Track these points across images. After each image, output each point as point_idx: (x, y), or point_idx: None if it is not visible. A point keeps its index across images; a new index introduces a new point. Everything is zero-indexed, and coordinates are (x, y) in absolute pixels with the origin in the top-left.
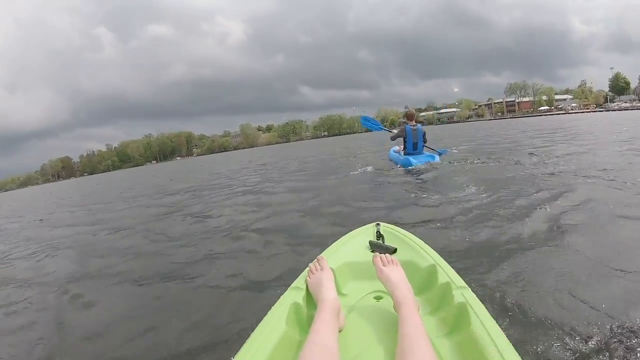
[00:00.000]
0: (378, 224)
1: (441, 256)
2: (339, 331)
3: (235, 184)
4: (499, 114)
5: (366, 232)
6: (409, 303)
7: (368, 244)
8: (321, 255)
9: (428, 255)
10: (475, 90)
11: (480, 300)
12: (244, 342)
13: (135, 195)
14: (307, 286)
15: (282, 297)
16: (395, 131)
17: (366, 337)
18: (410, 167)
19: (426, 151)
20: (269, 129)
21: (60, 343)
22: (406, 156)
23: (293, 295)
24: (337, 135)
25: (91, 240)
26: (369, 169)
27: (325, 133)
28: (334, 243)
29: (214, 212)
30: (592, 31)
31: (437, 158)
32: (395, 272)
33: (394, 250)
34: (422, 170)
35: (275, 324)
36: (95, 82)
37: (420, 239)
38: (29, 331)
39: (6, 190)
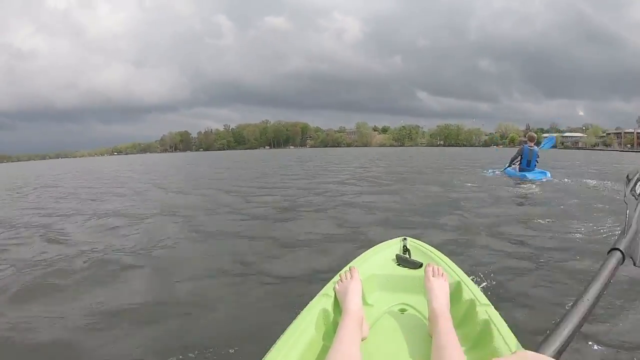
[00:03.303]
0: (405, 239)
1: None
2: (362, 340)
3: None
4: (629, 145)
5: (393, 246)
6: (446, 317)
7: (394, 257)
8: (353, 265)
9: (453, 272)
10: (602, 115)
11: (504, 319)
12: (273, 345)
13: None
14: (335, 293)
15: (311, 302)
16: (515, 165)
17: (390, 348)
18: (525, 179)
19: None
20: (384, 130)
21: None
22: (522, 172)
23: (322, 301)
24: (453, 145)
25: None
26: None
27: (441, 142)
28: (361, 255)
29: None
30: None
31: (549, 174)
32: (440, 285)
33: (420, 265)
34: (536, 184)
35: (304, 329)
36: (214, 66)
37: (446, 255)
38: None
39: (127, 154)
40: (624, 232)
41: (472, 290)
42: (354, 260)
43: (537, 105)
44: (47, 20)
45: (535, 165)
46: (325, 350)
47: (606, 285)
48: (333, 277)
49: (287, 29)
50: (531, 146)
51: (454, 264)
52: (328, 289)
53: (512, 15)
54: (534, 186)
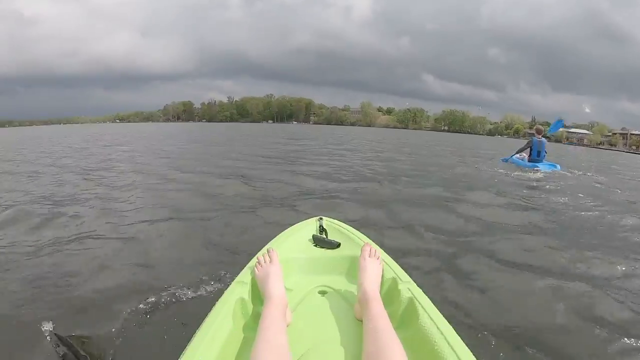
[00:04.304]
0: (321, 219)
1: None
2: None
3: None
4: (634, 147)
5: (308, 227)
6: (378, 299)
7: (311, 238)
8: (271, 247)
9: None
10: (609, 114)
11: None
12: (190, 340)
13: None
14: (251, 280)
15: (226, 292)
16: (524, 154)
17: (315, 332)
18: (535, 169)
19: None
20: (389, 111)
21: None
22: (532, 162)
23: (238, 290)
24: (457, 132)
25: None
26: (501, 170)
27: (446, 128)
28: (275, 237)
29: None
30: None
31: (559, 167)
32: (375, 265)
33: (338, 245)
34: (545, 174)
35: (221, 321)
36: (220, 38)
37: (364, 234)
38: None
39: (129, 122)
40: None
41: (393, 269)
42: (269, 243)
43: (544, 97)
44: None
45: (544, 157)
46: (247, 342)
47: None
48: (248, 263)
49: (295, 3)
50: (539, 138)
51: (372, 242)
52: (243, 275)
53: (525, 5)
54: (544, 176)
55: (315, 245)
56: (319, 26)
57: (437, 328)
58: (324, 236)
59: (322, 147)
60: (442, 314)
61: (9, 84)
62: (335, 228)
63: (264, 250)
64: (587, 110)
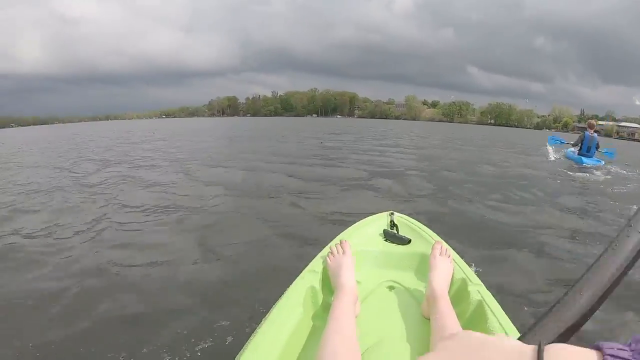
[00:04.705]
0: (392, 213)
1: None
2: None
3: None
4: None
5: (379, 221)
6: (446, 298)
7: (382, 232)
8: (343, 238)
9: None
10: None
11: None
12: (259, 325)
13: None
14: (323, 270)
15: (297, 280)
16: (572, 143)
17: (381, 327)
18: (581, 164)
19: (597, 156)
20: (434, 104)
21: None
22: (579, 156)
23: (309, 278)
24: (504, 125)
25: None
26: (552, 158)
27: (492, 121)
28: (347, 230)
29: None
30: None
31: (604, 163)
32: (446, 264)
33: (408, 241)
34: (590, 168)
35: (291, 308)
36: (262, 33)
37: (435, 232)
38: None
39: (174, 117)
40: None
41: (464, 270)
42: (340, 235)
43: (593, 89)
44: None
45: (594, 153)
46: (315, 331)
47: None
48: (319, 252)
49: None
50: (591, 133)
51: (443, 241)
52: (315, 264)
53: None
54: (591, 171)
55: (386, 240)
56: (361, 20)
57: (506, 334)
58: (395, 231)
59: (374, 140)
60: (510, 318)
61: (57, 83)
62: (406, 224)
63: (337, 240)
64: (638, 102)
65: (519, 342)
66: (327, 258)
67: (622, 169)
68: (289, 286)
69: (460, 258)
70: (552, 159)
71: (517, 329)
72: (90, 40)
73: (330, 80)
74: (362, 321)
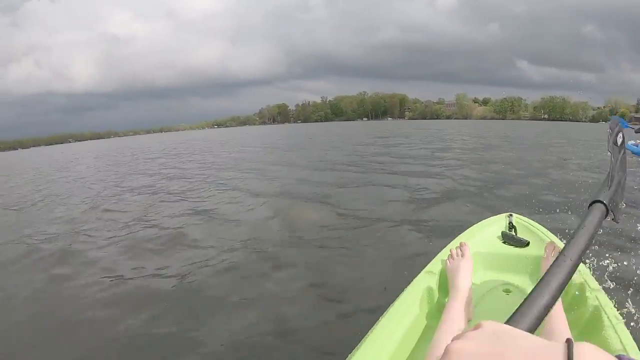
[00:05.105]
0: (510, 215)
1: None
2: (468, 321)
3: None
4: None
5: (498, 222)
6: (559, 302)
7: (500, 234)
8: (464, 241)
9: None
10: None
11: (616, 307)
12: (377, 322)
13: None
14: (440, 271)
15: (415, 280)
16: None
17: None
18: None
19: None
20: (485, 102)
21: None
22: None
23: (427, 279)
24: (558, 120)
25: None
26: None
27: (545, 116)
28: (465, 231)
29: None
30: None
31: None
32: None
33: (527, 244)
34: None
35: (408, 307)
36: (307, 40)
37: (554, 233)
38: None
39: (226, 126)
40: (607, 184)
41: (583, 274)
42: (459, 236)
43: None
44: (143, 5)
45: None
46: (428, 330)
47: (588, 245)
48: (438, 254)
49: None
50: None
51: (562, 243)
52: (433, 265)
53: None
54: None
55: (504, 242)
56: (404, 20)
57: (621, 342)
58: (513, 233)
59: (436, 142)
60: (629, 329)
61: (113, 100)
62: (525, 226)
63: (456, 242)
64: None
65: (546, 340)
66: (447, 261)
67: None
68: (406, 287)
69: (581, 262)
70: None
71: (638, 345)
72: (142, 57)
73: (379, 82)
74: (475, 324)
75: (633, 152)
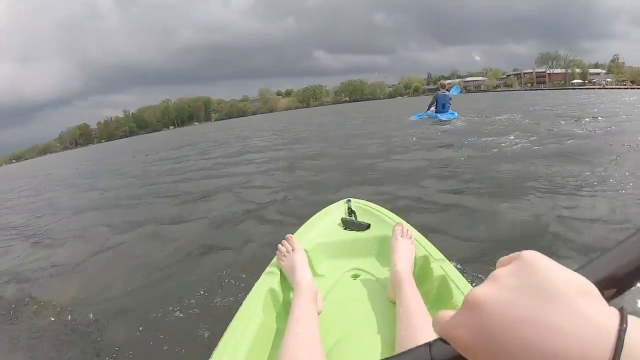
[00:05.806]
0: (349, 200)
1: (420, 229)
2: (318, 314)
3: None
4: (528, 84)
5: (337, 210)
6: (411, 280)
7: (340, 221)
8: (290, 234)
9: None
10: (498, 59)
11: (460, 273)
12: (223, 334)
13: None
14: (281, 270)
15: (256, 284)
16: (433, 108)
17: (347, 318)
18: (438, 119)
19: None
20: (288, 93)
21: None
22: (436, 113)
23: (268, 281)
24: (358, 100)
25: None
26: (413, 118)
27: (347, 99)
28: (304, 224)
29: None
30: (621, 3)
31: (457, 114)
32: (407, 246)
33: (368, 226)
34: (445, 121)
35: (252, 313)
36: (102, 50)
37: (395, 213)
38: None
39: (26, 159)
40: None
41: (425, 247)
42: (297, 231)
43: (434, 53)
44: None
45: (449, 108)
46: (280, 333)
47: None
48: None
49: (171, 2)
50: (444, 92)
51: (403, 220)
52: (273, 266)
53: None
54: (446, 125)
55: (345, 229)
56: (201, 20)
57: None
58: (353, 218)
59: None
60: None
61: None
62: (364, 209)
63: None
64: (477, 58)
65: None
66: (279, 260)
67: (471, 117)
68: (247, 293)
69: (422, 236)
70: (418, 119)
71: None
72: None
73: (182, 87)
74: (328, 315)
75: (430, 117)
